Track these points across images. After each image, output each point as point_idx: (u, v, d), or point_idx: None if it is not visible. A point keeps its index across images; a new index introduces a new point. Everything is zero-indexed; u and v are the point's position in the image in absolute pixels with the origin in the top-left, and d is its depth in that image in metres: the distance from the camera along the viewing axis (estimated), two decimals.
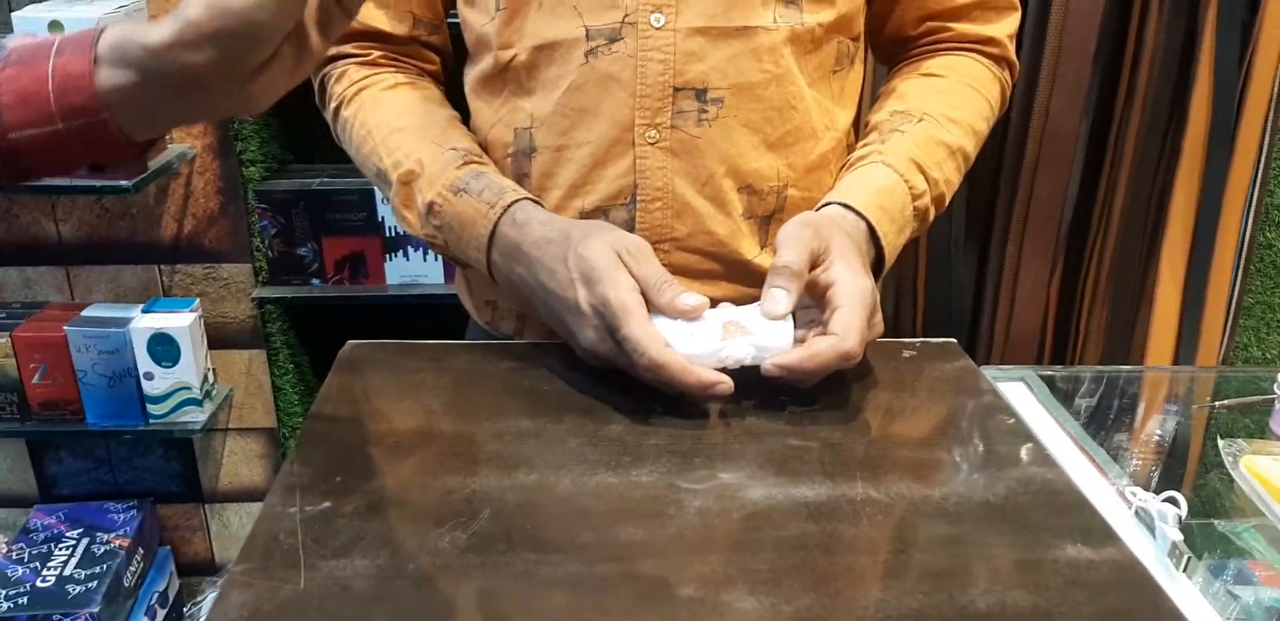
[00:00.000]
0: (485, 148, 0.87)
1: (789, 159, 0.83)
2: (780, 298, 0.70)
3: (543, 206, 0.81)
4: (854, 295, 0.70)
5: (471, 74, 0.88)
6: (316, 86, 0.92)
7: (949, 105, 0.86)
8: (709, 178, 0.81)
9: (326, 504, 0.60)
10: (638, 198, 0.81)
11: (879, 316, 0.74)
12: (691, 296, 0.70)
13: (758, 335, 0.69)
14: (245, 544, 0.56)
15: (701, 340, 0.69)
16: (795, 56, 0.81)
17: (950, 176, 0.85)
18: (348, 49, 0.89)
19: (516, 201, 0.79)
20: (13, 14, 1.36)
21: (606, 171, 0.81)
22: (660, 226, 0.82)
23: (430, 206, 0.81)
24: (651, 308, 0.71)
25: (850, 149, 0.88)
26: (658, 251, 0.82)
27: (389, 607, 0.51)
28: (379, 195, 1.51)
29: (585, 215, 0.82)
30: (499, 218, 0.78)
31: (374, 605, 0.51)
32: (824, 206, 0.80)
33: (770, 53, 0.79)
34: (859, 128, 0.90)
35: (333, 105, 0.89)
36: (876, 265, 0.81)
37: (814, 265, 0.72)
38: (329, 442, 0.67)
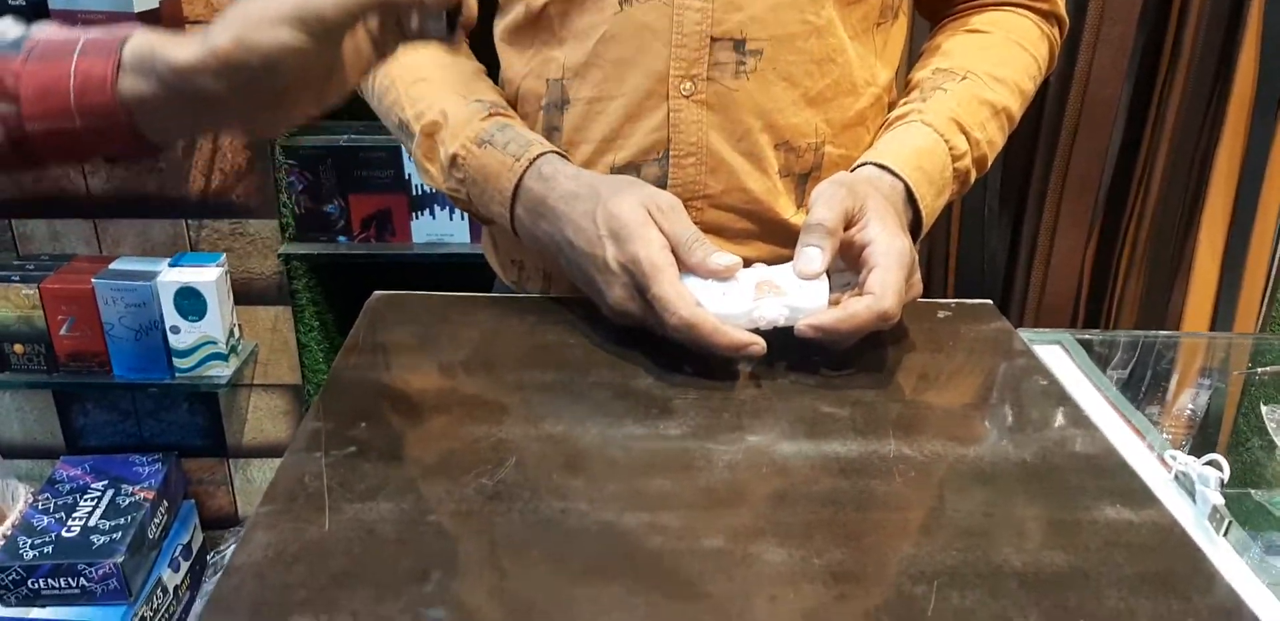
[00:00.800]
0: (516, 100, 0.85)
1: (827, 115, 0.81)
2: (814, 256, 0.68)
3: (569, 160, 0.79)
4: (891, 254, 0.68)
5: (501, 24, 0.85)
6: None
7: (994, 63, 0.83)
8: (745, 133, 0.79)
9: (351, 448, 0.59)
10: (671, 153, 0.79)
11: (917, 276, 0.72)
12: (724, 256, 0.69)
13: (791, 295, 0.68)
14: (269, 487, 0.56)
15: (734, 300, 0.67)
16: (838, 8, 0.78)
17: (993, 137, 0.82)
18: None
19: (543, 154, 0.77)
20: None
21: (639, 125, 0.79)
22: (693, 183, 0.80)
23: (454, 159, 0.79)
24: (682, 267, 0.69)
25: (890, 107, 0.86)
26: (690, 209, 0.80)
27: (413, 551, 0.50)
28: (406, 152, 1.49)
29: (617, 170, 0.80)
30: (524, 171, 0.76)
31: (399, 548, 0.50)
32: (860, 166, 0.78)
33: (811, 3, 0.77)
34: (900, 85, 0.88)
35: None
36: (914, 228, 0.79)
37: (849, 225, 0.70)
38: (354, 390, 0.67)
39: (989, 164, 0.84)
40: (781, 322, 0.68)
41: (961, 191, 0.83)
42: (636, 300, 0.69)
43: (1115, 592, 0.49)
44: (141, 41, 0.54)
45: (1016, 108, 0.84)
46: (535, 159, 0.76)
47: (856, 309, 0.66)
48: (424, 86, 0.82)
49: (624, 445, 0.60)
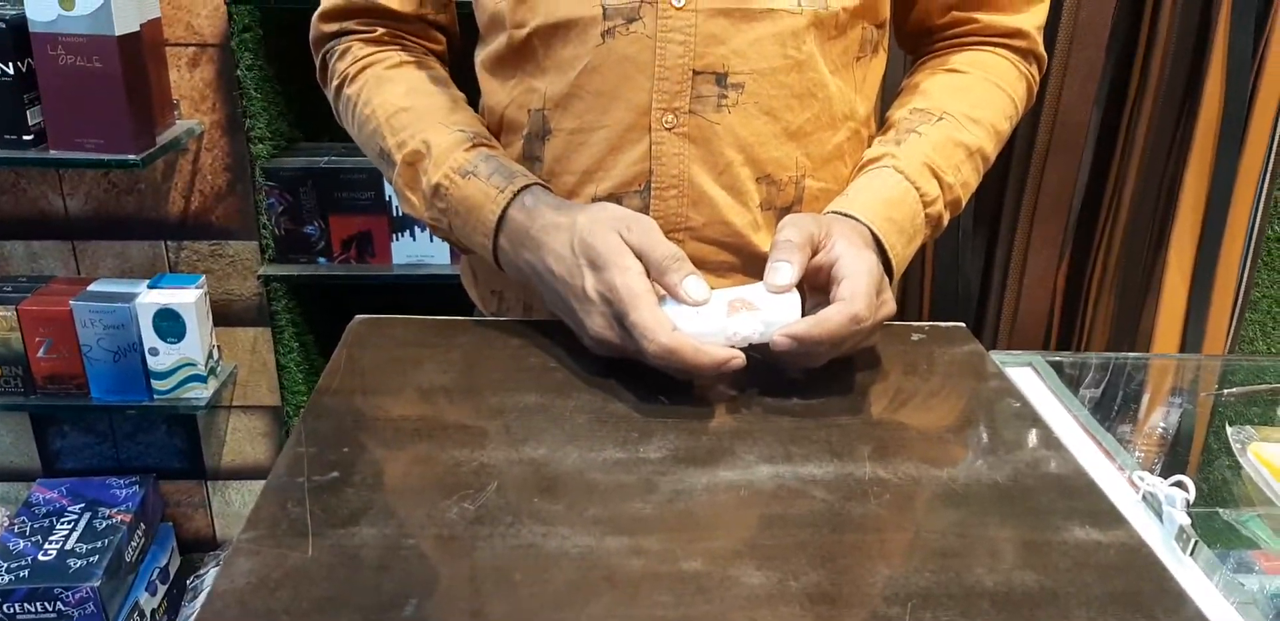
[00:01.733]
0: (497, 130, 0.85)
1: (807, 149, 0.82)
2: (784, 270, 0.69)
3: (553, 192, 0.80)
4: (859, 265, 0.69)
5: (483, 53, 0.86)
6: (318, 63, 0.91)
7: (971, 104, 0.84)
8: (726, 166, 0.80)
9: (334, 474, 0.60)
10: (653, 185, 0.80)
11: (888, 294, 0.73)
12: (697, 285, 0.69)
13: (766, 310, 0.68)
14: (251, 513, 0.56)
15: (708, 318, 0.68)
16: (818, 42, 0.79)
17: (967, 179, 0.83)
18: (351, 25, 0.88)
19: (527, 186, 0.77)
20: None
21: (621, 157, 0.80)
22: (675, 215, 0.81)
23: (436, 188, 0.79)
24: (657, 286, 0.70)
25: (868, 141, 0.87)
26: (672, 241, 0.81)
27: (396, 576, 0.51)
28: (387, 179, 1.50)
29: (598, 202, 0.81)
30: (509, 202, 0.77)
31: (381, 574, 0.51)
32: (828, 215, 0.78)
33: (793, 37, 0.78)
34: (878, 120, 0.89)
35: (335, 83, 0.87)
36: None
37: (815, 250, 0.71)
38: (336, 415, 0.67)
39: (963, 205, 0.84)
40: (757, 338, 0.68)
41: (934, 235, 0.84)
42: (615, 328, 0.69)
43: (1084, 612, 0.50)
44: None
45: (991, 148, 0.85)
46: (520, 190, 0.77)
47: (828, 313, 0.67)
48: (405, 116, 0.82)
49: (604, 468, 0.61)
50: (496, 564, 0.52)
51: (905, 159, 0.81)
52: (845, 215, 0.77)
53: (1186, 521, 0.61)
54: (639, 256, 0.70)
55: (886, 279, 0.74)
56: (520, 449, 0.63)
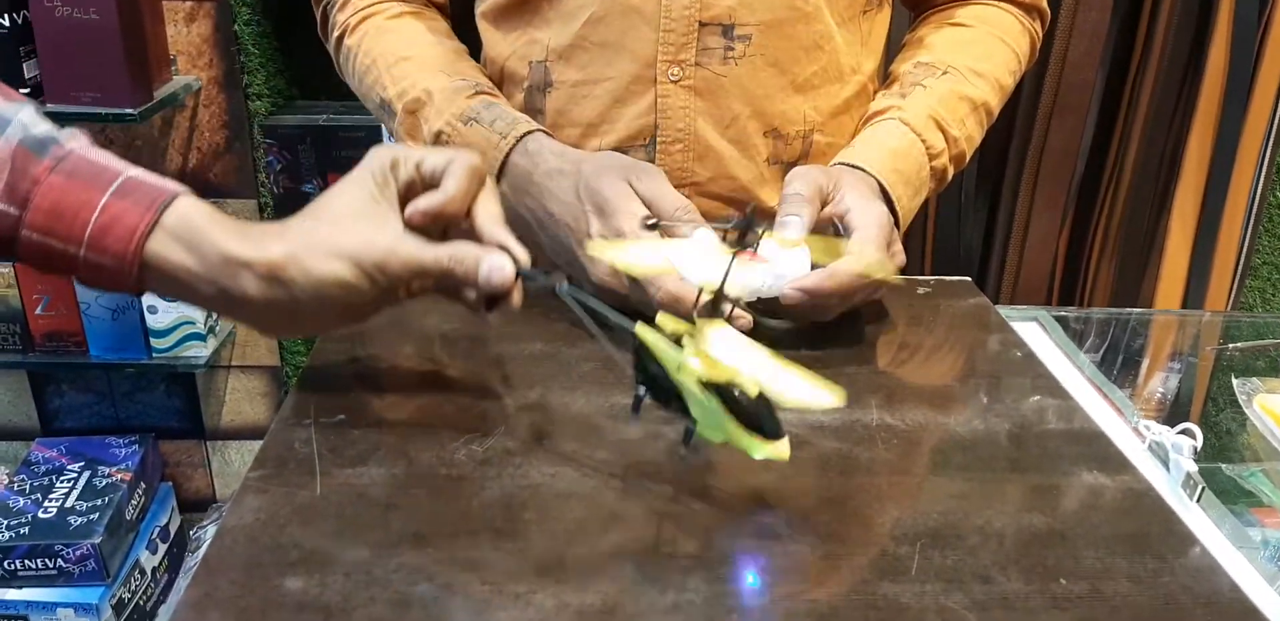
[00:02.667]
0: (498, 82, 0.84)
1: (815, 102, 0.81)
2: (794, 223, 0.68)
3: (556, 139, 0.79)
4: (869, 217, 0.69)
5: (485, 4, 0.85)
6: (318, 15, 0.89)
7: (975, 57, 0.83)
8: (733, 120, 0.79)
9: (341, 416, 0.60)
10: (658, 139, 0.79)
11: (898, 246, 0.72)
12: (706, 237, 0.66)
13: (775, 263, 0.67)
14: (259, 453, 0.56)
15: (716, 269, 0.67)
16: None
17: (972, 133, 0.82)
18: None
19: (529, 132, 0.76)
20: None
21: (626, 110, 0.79)
22: (681, 169, 0.80)
23: (438, 135, 0.79)
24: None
25: (871, 95, 0.86)
26: None
27: (404, 514, 0.51)
28: (386, 132, 1.49)
29: (604, 151, 0.80)
30: (511, 148, 0.76)
31: (390, 512, 0.51)
32: (836, 165, 0.78)
33: None
34: (883, 76, 0.88)
35: (335, 34, 0.86)
36: None
37: (824, 202, 0.70)
38: (340, 363, 0.67)
39: (967, 159, 0.84)
40: (766, 291, 0.67)
41: (939, 189, 0.83)
42: (620, 275, 0.69)
43: (1093, 552, 0.50)
44: (191, 210, 0.52)
45: (995, 103, 0.84)
46: (522, 137, 0.76)
47: (839, 266, 0.66)
48: (406, 65, 0.81)
49: (611, 415, 0.61)
50: (506, 502, 0.52)
51: (911, 111, 0.80)
52: (852, 166, 0.76)
53: (1194, 468, 0.61)
54: (647, 206, 0.69)
55: (896, 230, 0.73)
56: (527, 395, 0.63)
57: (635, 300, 0.69)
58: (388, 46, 0.83)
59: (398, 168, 0.57)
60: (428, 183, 0.58)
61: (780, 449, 0.48)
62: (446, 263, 0.54)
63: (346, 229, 0.54)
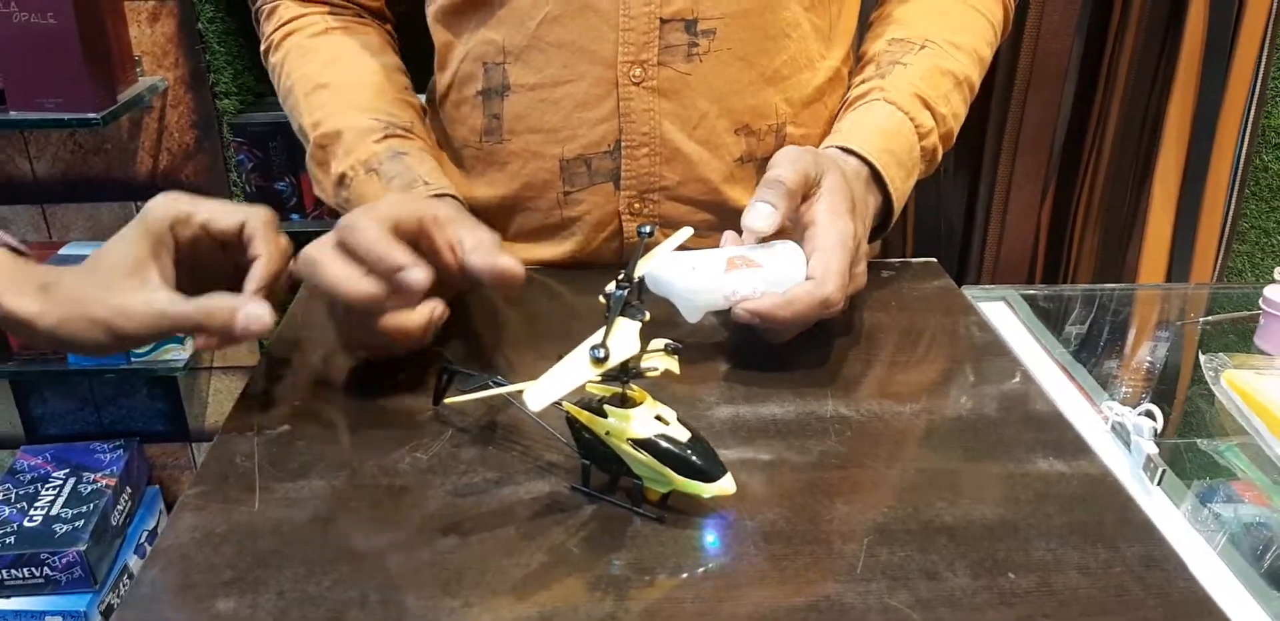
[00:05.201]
0: (452, 85, 0.81)
1: (786, 93, 0.78)
2: (766, 212, 0.63)
3: (459, 200, 0.74)
4: (833, 237, 0.63)
5: (435, 3, 0.81)
6: (254, 20, 0.86)
7: (952, 29, 0.80)
8: (700, 119, 0.76)
9: (285, 427, 0.59)
10: (623, 144, 0.76)
11: (863, 266, 0.68)
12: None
13: (768, 268, 0.63)
14: (200, 468, 0.55)
15: (704, 274, 0.63)
16: None
17: (958, 109, 0.79)
18: None
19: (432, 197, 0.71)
20: None
21: (587, 115, 0.76)
22: (648, 175, 0.77)
23: (341, 178, 0.75)
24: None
25: (845, 81, 0.83)
26: (646, 202, 0.77)
27: (343, 527, 0.50)
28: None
29: (566, 164, 0.77)
30: None
31: (329, 525, 0.50)
32: (826, 149, 0.74)
33: None
34: (854, 58, 0.85)
35: (262, 47, 0.83)
36: (884, 213, 0.75)
37: (805, 194, 0.66)
38: (290, 369, 0.66)
39: (954, 138, 0.80)
40: (757, 297, 0.63)
41: (929, 170, 0.79)
42: (336, 310, 0.62)
43: (1043, 543, 0.49)
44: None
45: (976, 76, 0.81)
46: None
47: (797, 294, 0.62)
48: (323, 95, 0.77)
49: (561, 414, 0.60)
50: (446, 512, 0.51)
51: (894, 91, 0.76)
52: (844, 150, 0.73)
53: (1154, 450, 0.60)
54: (449, 245, 0.61)
55: (863, 244, 0.68)
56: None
57: (358, 337, 0.62)
58: (307, 70, 0.79)
59: (180, 226, 0.59)
60: (222, 241, 0.61)
61: (725, 486, 0.49)
62: (198, 317, 0.57)
63: (108, 287, 0.57)
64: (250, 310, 0.57)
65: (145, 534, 1.61)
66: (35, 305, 0.56)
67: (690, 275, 0.63)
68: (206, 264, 0.62)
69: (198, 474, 0.55)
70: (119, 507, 1.54)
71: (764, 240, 0.65)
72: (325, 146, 0.76)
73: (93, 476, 1.55)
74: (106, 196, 1.58)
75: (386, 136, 0.76)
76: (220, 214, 0.60)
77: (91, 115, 1.34)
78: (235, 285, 0.61)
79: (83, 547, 1.40)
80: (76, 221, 1.59)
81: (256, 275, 0.60)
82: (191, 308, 0.57)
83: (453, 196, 0.74)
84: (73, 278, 0.57)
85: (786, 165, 0.64)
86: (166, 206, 0.59)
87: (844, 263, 0.63)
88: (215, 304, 0.57)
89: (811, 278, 0.62)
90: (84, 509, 1.47)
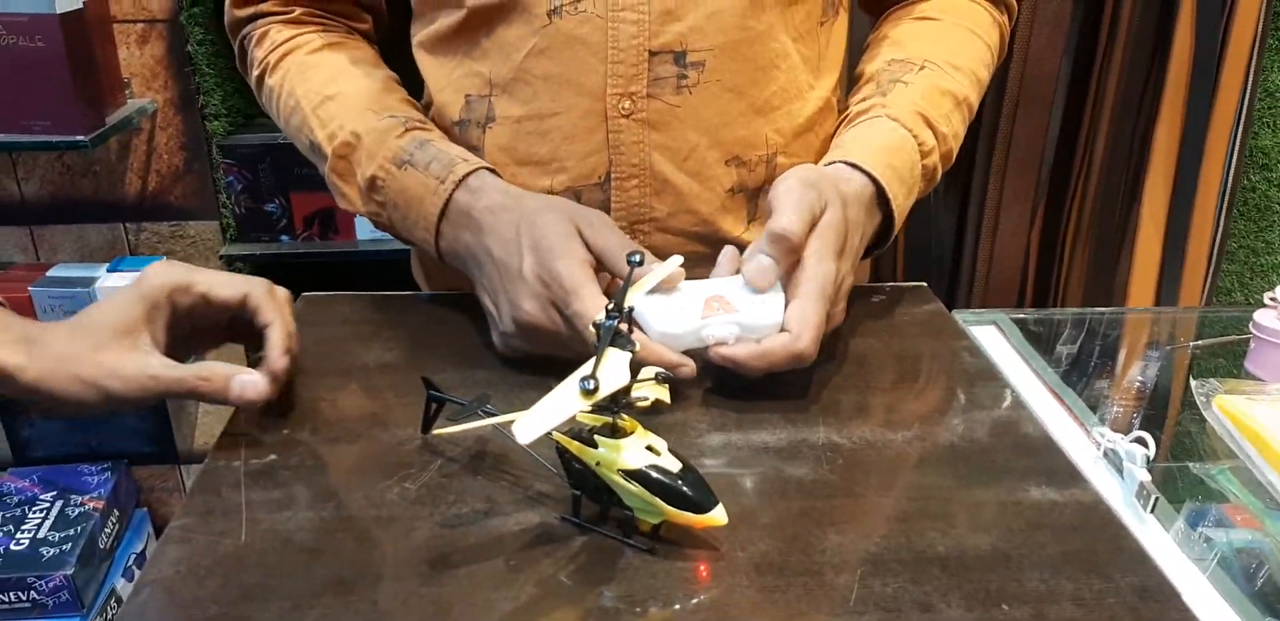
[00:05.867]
0: (435, 116, 0.80)
1: (776, 124, 0.77)
2: (767, 267, 0.63)
3: (499, 175, 0.74)
4: (815, 284, 0.62)
5: (421, 33, 0.80)
6: (236, 50, 0.85)
7: (950, 51, 0.80)
8: (690, 151, 0.75)
9: (272, 457, 0.58)
10: (613, 176, 0.75)
11: (842, 305, 0.67)
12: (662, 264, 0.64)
13: (744, 312, 0.63)
14: (185, 500, 0.54)
15: (682, 319, 0.63)
16: (778, 9, 0.74)
17: (958, 129, 0.79)
18: (266, 7, 0.82)
19: (470, 173, 0.71)
20: None
21: (576, 147, 0.75)
22: (638, 206, 0.76)
23: (372, 181, 0.74)
24: (618, 279, 0.65)
25: (835, 110, 0.83)
26: (636, 233, 0.77)
27: (330, 560, 0.49)
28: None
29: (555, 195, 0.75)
30: (451, 192, 0.71)
31: (315, 558, 0.49)
32: (828, 165, 0.72)
33: (752, 7, 0.73)
34: (845, 85, 0.84)
35: (255, 73, 0.82)
36: (883, 230, 0.74)
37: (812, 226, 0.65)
38: (278, 395, 0.65)
39: (953, 159, 0.79)
40: (731, 341, 0.63)
41: (927, 189, 0.78)
42: (551, 313, 0.64)
43: (1037, 574, 0.49)
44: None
45: (975, 97, 0.80)
46: (462, 178, 0.71)
47: (772, 347, 0.61)
48: (332, 106, 0.77)
49: (551, 444, 0.59)
50: (434, 544, 0.50)
51: (896, 108, 0.76)
52: (848, 163, 0.71)
53: (1147, 478, 0.60)
54: (595, 255, 0.65)
55: (848, 282, 0.67)
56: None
57: (563, 340, 0.65)
58: (311, 85, 0.78)
59: (179, 295, 0.60)
60: (224, 311, 0.62)
61: (716, 516, 0.48)
62: (192, 382, 0.58)
63: (98, 346, 0.57)
64: (244, 378, 0.59)
65: (133, 557, 1.59)
66: (18, 357, 0.56)
67: (668, 320, 0.63)
68: (197, 332, 0.63)
69: (183, 505, 0.54)
70: (107, 530, 1.53)
71: None
72: (345, 156, 0.75)
73: (80, 499, 1.53)
74: (95, 218, 1.57)
75: (407, 129, 0.75)
76: (221, 284, 0.62)
77: (80, 138, 1.34)
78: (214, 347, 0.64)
79: (70, 571, 1.39)
80: (64, 243, 1.59)
81: (275, 342, 0.61)
82: (186, 373, 0.58)
83: (489, 169, 0.73)
84: (59, 333, 0.58)
85: (791, 213, 0.63)
86: (166, 273, 0.61)
87: (821, 315, 0.62)
88: (212, 370, 0.58)
89: (787, 330, 0.62)
90: (71, 532, 1.46)
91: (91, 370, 0.56)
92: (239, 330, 0.64)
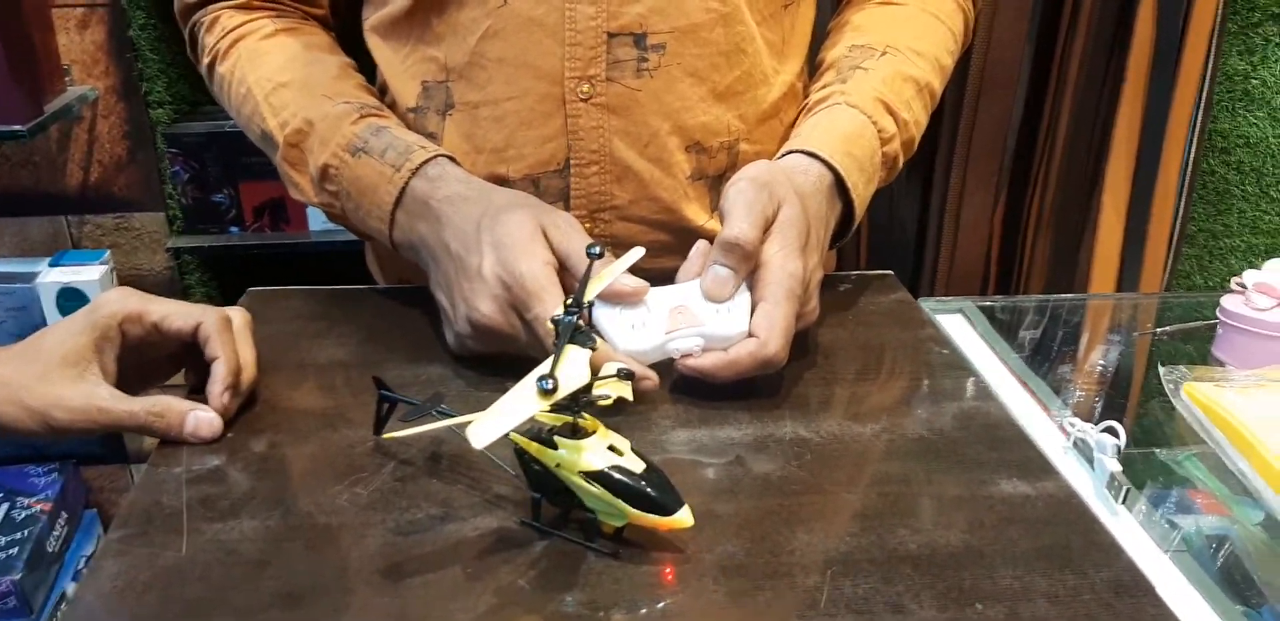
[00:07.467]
0: (391, 103, 0.77)
1: (739, 109, 0.75)
2: (726, 278, 0.61)
3: (458, 163, 0.71)
4: (782, 287, 0.61)
5: (373, 17, 0.78)
6: (186, 36, 0.82)
7: (913, 36, 0.78)
8: (651, 137, 0.73)
9: (215, 462, 0.56)
10: (572, 162, 0.73)
11: (814, 303, 0.66)
12: (629, 277, 0.62)
13: (708, 324, 0.61)
14: (122, 509, 0.52)
15: (645, 334, 0.61)
16: None
17: (919, 116, 0.77)
18: None
19: (428, 160, 0.69)
20: None
21: (534, 133, 0.73)
22: (598, 194, 0.74)
23: (324, 170, 0.71)
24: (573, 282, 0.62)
25: (800, 96, 0.81)
26: (597, 222, 0.75)
27: (277, 572, 0.47)
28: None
29: (515, 185, 0.73)
30: (407, 181, 0.68)
31: (261, 570, 0.47)
32: (785, 155, 0.71)
33: None
34: (810, 70, 0.83)
35: (206, 60, 0.79)
36: (845, 220, 0.72)
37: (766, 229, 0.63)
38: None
39: (915, 147, 0.78)
40: (698, 353, 0.62)
41: (889, 178, 0.77)
42: (510, 317, 0.61)
43: (1010, 570, 0.47)
44: None
45: (938, 84, 0.79)
46: (419, 166, 0.68)
47: (739, 355, 0.60)
48: (285, 93, 0.74)
49: (508, 443, 0.57)
50: (386, 552, 0.48)
51: (856, 95, 0.74)
52: (805, 152, 0.70)
53: (1118, 468, 0.59)
54: (558, 258, 0.62)
55: (816, 280, 0.66)
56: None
57: (520, 344, 0.62)
58: (263, 72, 0.75)
59: (130, 325, 0.58)
60: (176, 341, 0.60)
61: (682, 518, 0.47)
62: (144, 418, 0.57)
63: (44, 376, 0.55)
64: (199, 414, 0.57)
65: (83, 559, 1.55)
66: None
67: (631, 335, 0.61)
68: (148, 363, 0.61)
69: (119, 516, 0.51)
70: (55, 533, 1.48)
71: None
72: (297, 144, 0.72)
73: (27, 501, 1.49)
74: (35, 211, 1.52)
75: (363, 116, 0.72)
76: (175, 314, 0.59)
77: (18, 127, 1.29)
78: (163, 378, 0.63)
79: (17, 576, 1.35)
80: (4, 237, 1.53)
81: (219, 377, 0.59)
82: (138, 407, 0.56)
83: (449, 157, 0.70)
84: (4, 358, 0.56)
85: (742, 220, 0.61)
86: (119, 302, 0.59)
87: (789, 318, 0.61)
88: (167, 405, 0.57)
89: (755, 335, 0.60)
90: (18, 535, 1.41)
91: (37, 400, 0.55)
92: (193, 361, 0.62)
